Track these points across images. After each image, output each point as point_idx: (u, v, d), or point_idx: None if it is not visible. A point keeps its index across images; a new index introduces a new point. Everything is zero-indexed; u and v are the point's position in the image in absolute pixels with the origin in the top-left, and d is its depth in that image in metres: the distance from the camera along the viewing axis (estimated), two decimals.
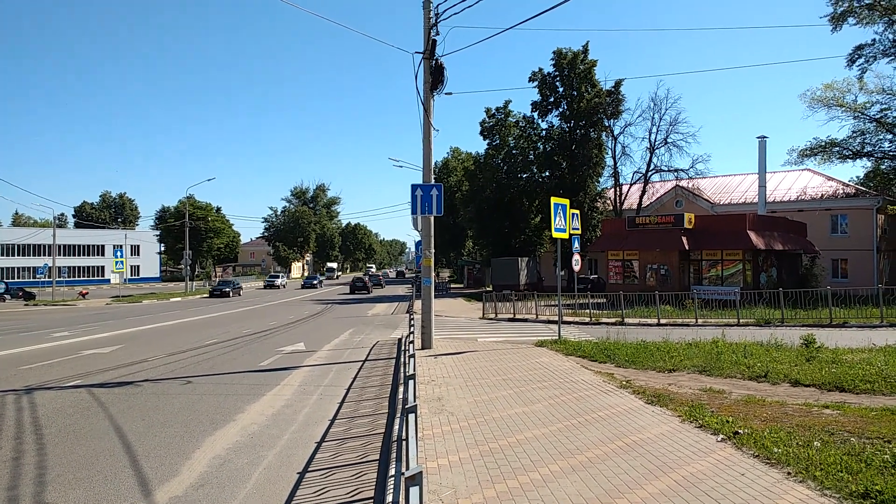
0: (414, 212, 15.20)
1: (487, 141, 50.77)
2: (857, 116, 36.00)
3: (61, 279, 52.54)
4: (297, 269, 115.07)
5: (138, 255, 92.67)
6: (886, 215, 39.95)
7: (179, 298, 47.96)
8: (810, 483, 5.44)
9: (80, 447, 7.38)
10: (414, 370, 7.87)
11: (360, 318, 28.48)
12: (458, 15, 15.81)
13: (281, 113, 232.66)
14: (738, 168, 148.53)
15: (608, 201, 48.07)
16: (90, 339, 19.56)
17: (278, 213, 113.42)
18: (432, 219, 15.82)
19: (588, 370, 12.04)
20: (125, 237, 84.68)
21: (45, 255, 74.61)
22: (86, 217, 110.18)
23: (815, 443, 6.47)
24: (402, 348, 14.89)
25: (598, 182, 46.86)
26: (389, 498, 4.99)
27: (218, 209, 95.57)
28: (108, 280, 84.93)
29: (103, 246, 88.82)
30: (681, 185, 46.18)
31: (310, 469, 6.53)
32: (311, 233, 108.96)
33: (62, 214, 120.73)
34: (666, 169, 45.32)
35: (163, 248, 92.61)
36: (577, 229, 18.96)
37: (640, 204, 46.44)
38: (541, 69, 46.01)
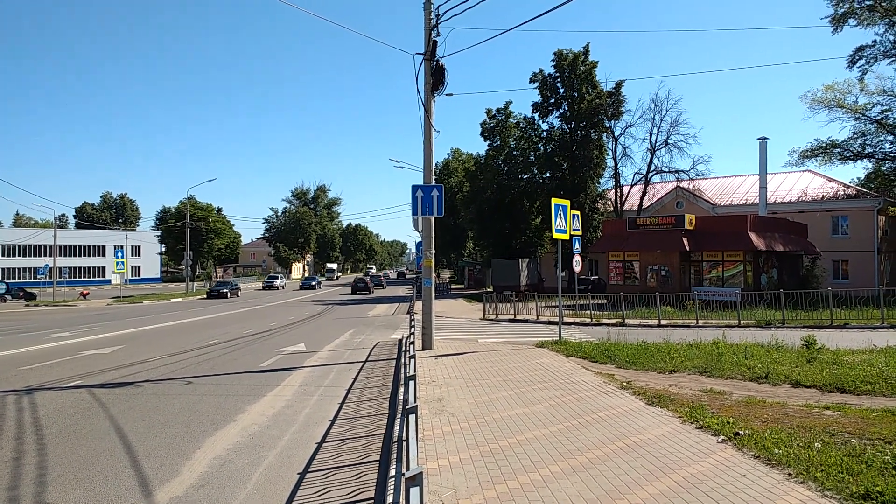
0: (414, 213, 15.20)
1: (488, 142, 50.77)
2: (858, 118, 35.99)
3: (62, 280, 52.47)
4: (297, 269, 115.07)
5: (139, 255, 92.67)
6: (887, 216, 39.93)
7: (180, 299, 47.96)
8: (811, 484, 5.43)
9: (80, 447, 7.38)
10: (414, 371, 7.87)
11: (361, 318, 28.47)
12: (459, 16, 15.83)
13: (281, 113, 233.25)
14: (739, 169, 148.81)
15: (609, 202, 48.06)
16: (91, 339, 19.57)
17: (279, 213, 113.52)
18: (433, 220, 15.82)
19: (589, 371, 12.03)
20: (126, 238, 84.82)
21: (45, 255, 74.65)
22: (87, 218, 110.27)
23: (816, 444, 6.47)
24: (403, 349, 14.88)
25: (599, 183, 46.85)
26: (390, 498, 4.98)
27: (219, 210, 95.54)
28: (109, 281, 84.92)
29: (104, 246, 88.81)
30: (681, 186, 46.16)
31: (310, 469, 6.53)
32: (311, 234, 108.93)
33: (63, 215, 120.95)
34: (667, 170, 45.35)
35: (163, 249, 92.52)
36: (578, 230, 18.95)
37: (640, 205, 46.45)
38: (541, 70, 46.03)
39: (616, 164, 47.49)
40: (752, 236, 30.05)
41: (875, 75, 35.88)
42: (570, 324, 22.90)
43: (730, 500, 5.15)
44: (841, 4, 34.06)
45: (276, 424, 8.53)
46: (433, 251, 16.06)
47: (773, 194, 44.12)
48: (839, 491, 5.23)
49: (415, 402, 5.70)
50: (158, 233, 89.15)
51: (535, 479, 5.74)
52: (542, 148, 47.70)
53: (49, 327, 24.06)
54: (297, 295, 54.14)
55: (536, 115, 47.38)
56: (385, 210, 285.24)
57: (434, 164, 16.88)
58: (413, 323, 15.77)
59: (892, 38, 34.30)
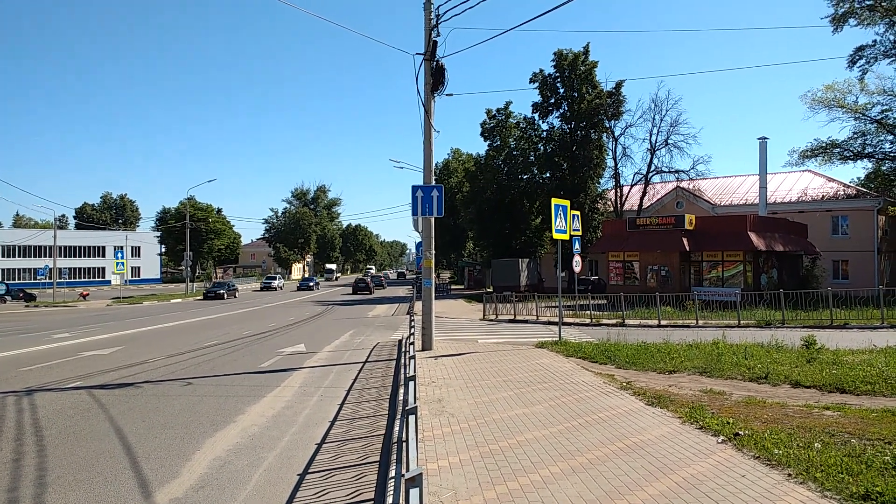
0: (414, 213, 15.20)
1: (488, 142, 50.77)
2: (858, 117, 35.99)
3: (62, 280, 52.48)
4: (297, 270, 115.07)
5: (139, 256, 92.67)
6: (887, 216, 39.94)
7: (180, 300, 47.94)
8: (811, 484, 5.43)
9: (80, 449, 7.38)
10: (414, 372, 7.87)
11: (361, 319, 28.47)
12: (459, 16, 15.84)
13: (281, 113, 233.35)
14: (739, 169, 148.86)
15: (609, 202, 48.07)
16: (91, 340, 19.57)
17: (279, 214, 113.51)
18: (433, 220, 15.82)
19: (588, 371, 12.03)
20: (126, 238, 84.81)
21: (45, 256, 74.64)
22: (86, 218, 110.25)
23: (816, 444, 6.47)
24: (403, 350, 14.88)
25: (599, 183, 46.86)
26: (390, 500, 4.98)
27: (219, 210, 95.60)
28: (109, 281, 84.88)
29: (104, 247, 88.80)
30: (681, 186, 46.17)
31: (310, 471, 6.53)
32: (311, 234, 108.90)
33: (63, 216, 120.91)
34: (667, 170, 45.37)
35: (163, 250, 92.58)
36: (578, 230, 18.95)
37: (640, 205, 46.46)
38: (541, 70, 46.04)
39: (616, 165, 47.56)
40: (752, 236, 30.05)
41: (875, 75, 35.90)
42: (569, 324, 22.90)
43: (730, 500, 5.15)
44: (841, 4, 34.08)
45: (275, 425, 8.53)
46: (433, 251, 16.06)
47: (773, 194, 44.13)
48: (839, 491, 5.23)
49: (415, 402, 5.69)
50: (158, 233, 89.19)
51: (535, 479, 5.74)
52: (542, 148, 47.71)
53: (49, 328, 24.06)
54: (295, 296, 53.91)
55: (536, 116, 47.40)
56: (385, 210, 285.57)
57: (434, 165, 16.88)
58: (413, 323, 15.77)
59: (892, 37, 34.33)
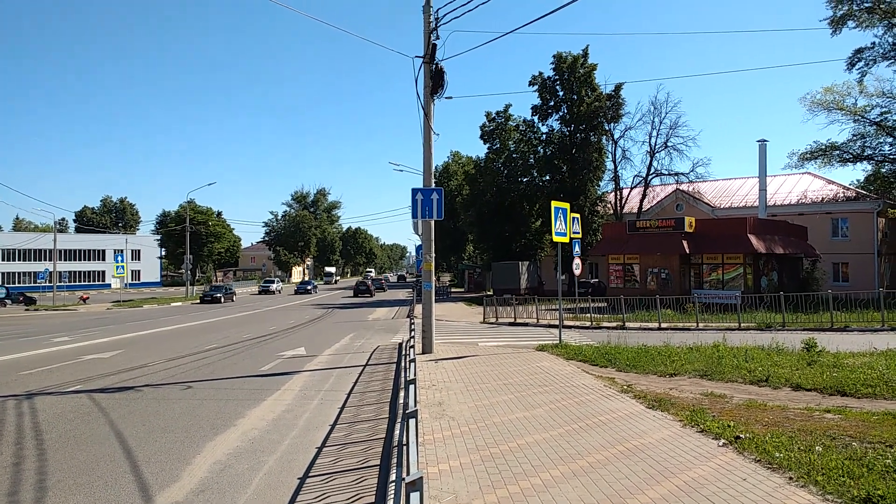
0: (414, 216, 15.20)
1: (488, 145, 50.84)
2: (858, 120, 35.99)
3: (62, 284, 52.45)
4: (297, 273, 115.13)
5: (139, 259, 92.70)
6: (887, 219, 39.93)
7: (180, 303, 47.88)
8: (812, 488, 5.42)
9: (80, 452, 7.38)
10: (414, 375, 7.86)
11: (361, 322, 28.46)
12: (459, 19, 15.86)
13: (281, 116, 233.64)
14: (739, 172, 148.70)
15: (609, 205, 48.09)
16: (91, 343, 19.56)
17: (279, 217, 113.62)
18: (433, 223, 15.82)
19: (589, 374, 12.02)
20: (126, 242, 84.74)
21: (45, 259, 74.72)
22: (86, 222, 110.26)
23: (817, 447, 6.46)
24: (403, 353, 14.87)
25: (599, 186, 46.93)
26: (390, 503, 4.98)
27: (219, 214, 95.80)
28: (109, 285, 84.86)
29: (104, 251, 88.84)
30: (681, 188, 46.19)
31: (310, 474, 6.52)
32: (311, 237, 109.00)
33: (63, 219, 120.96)
34: (666, 173, 45.39)
35: (163, 253, 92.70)
36: (578, 233, 18.95)
37: (640, 208, 46.46)
38: (541, 73, 46.15)
39: (616, 167, 47.57)
40: (752, 239, 30.05)
41: (874, 77, 36.02)
42: (570, 327, 22.89)
43: None
44: (840, 7, 34.11)
45: (276, 429, 8.52)
46: (433, 254, 16.06)
47: (773, 197, 44.13)
48: (840, 495, 5.22)
49: (415, 406, 5.69)
50: (158, 237, 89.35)
51: (535, 483, 5.73)
52: (541, 151, 47.76)
53: (49, 332, 24.06)
54: (293, 299, 53.64)
55: (536, 118, 47.49)
56: (385, 213, 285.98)
57: (434, 168, 16.89)
58: (413, 326, 15.77)
59: (890, 40, 34.36)
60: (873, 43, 34.91)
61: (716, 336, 17.00)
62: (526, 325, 25.38)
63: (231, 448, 7.57)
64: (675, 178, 45.06)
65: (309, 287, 65.95)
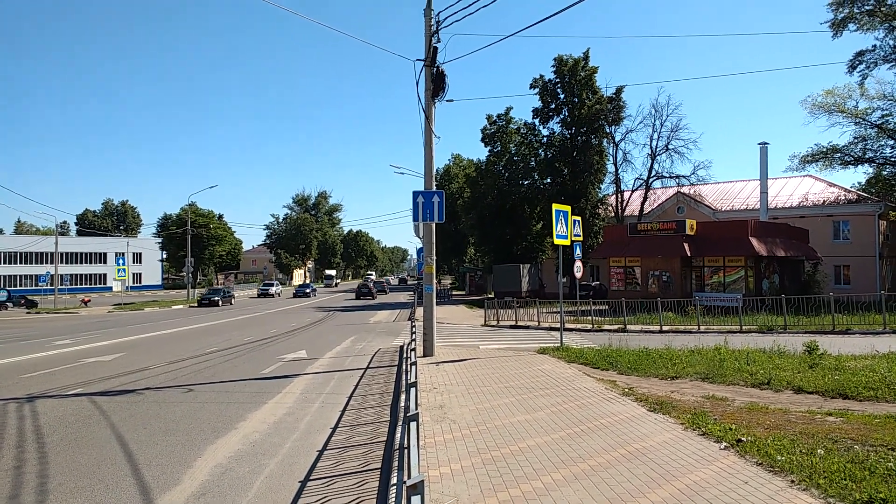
0: (415, 219, 15.20)
1: (489, 148, 50.87)
2: (859, 122, 36.04)
3: (63, 287, 52.43)
4: (298, 276, 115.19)
5: (140, 262, 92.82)
6: (888, 221, 39.93)
7: (181, 306, 47.86)
8: (814, 491, 5.41)
9: (81, 456, 7.37)
10: (416, 378, 7.86)
11: (362, 325, 28.45)
12: (459, 22, 15.87)
13: (282, 119, 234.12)
14: (740, 174, 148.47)
15: (610, 208, 48.11)
16: (92, 346, 19.57)
17: (280, 220, 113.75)
18: (434, 226, 15.82)
19: (590, 377, 12.01)
20: (127, 245, 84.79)
21: (47, 262, 74.79)
22: (88, 225, 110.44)
23: (819, 450, 6.45)
24: (404, 356, 14.87)
25: (600, 189, 46.93)
26: None
27: (220, 216, 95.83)
28: (111, 288, 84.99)
29: (105, 254, 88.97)
30: (682, 191, 46.21)
31: (311, 478, 6.51)
32: (312, 240, 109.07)
33: (64, 222, 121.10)
34: (667, 175, 45.47)
35: (165, 256, 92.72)
36: (579, 236, 18.95)
37: (641, 210, 46.47)
38: (542, 76, 46.18)
39: (617, 170, 47.66)
40: (754, 241, 30.04)
41: (875, 80, 36.10)
42: (571, 330, 22.87)
43: None
44: (841, 9, 34.17)
45: (277, 432, 8.51)
46: (434, 257, 16.05)
47: (774, 199, 44.14)
48: (842, 498, 5.21)
49: (416, 409, 5.68)
50: (160, 240, 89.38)
51: (537, 486, 5.73)
52: (542, 153, 47.80)
53: (50, 335, 24.07)
54: (293, 303, 53.07)
55: (537, 121, 47.53)
56: (386, 216, 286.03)
57: (435, 170, 16.89)
58: (414, 329, 15.76)
59: (891, 42, 34.41)
60: (874, 46, 35.03)
61: (717, 339, 16.98)
62: (527, 327, 25.37)
63: (232, 451, 7.57)
64: (677, 180, 45.13)
65: (308, 290, 65.37)
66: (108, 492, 6.15)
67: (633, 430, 7.79)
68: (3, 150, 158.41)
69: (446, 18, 14.92)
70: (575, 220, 18.09)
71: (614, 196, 48.59)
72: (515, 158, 49.39)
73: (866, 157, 37.17)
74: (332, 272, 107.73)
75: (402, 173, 71.95)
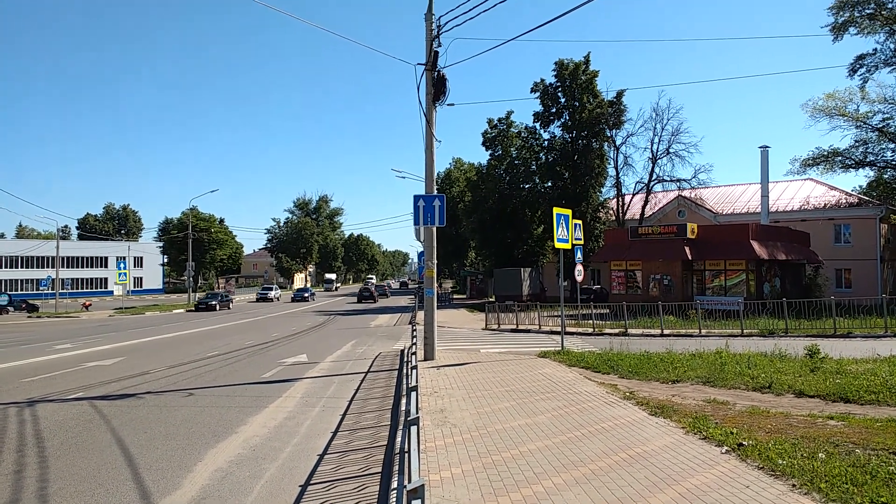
0: (416, 223, 15.21)
1: (490, 151, 50.91)
2: (860, 126, 36.01)
3: (64, 291, 52.53)
4: (299, 280, 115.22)
5: (141, 266, 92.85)
6: (890, 225, 39.89)
7: (182, 310, 47.88)
8: (815, 495, 5.40)
9: (82, 460, 7.37)
10: (416, 382, 7.85)
11: (363, 329, 28.45)
12: (461, 27, 15.89)
13: (283, 123, 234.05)
14: (741, 178, 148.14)
15: (611, 211, 48.09)
16: (93, 351, 19.57)
17: (281, 224, 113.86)
18: (435, 229, 15.83)
19: (591, 381, 12.00)
20: (128, 249, 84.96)
21: (48, 266, 74.77)
22: (89, 229, 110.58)
23: (820, 454, 6.44)
24: (405, 360, 14.86)
25: (601, 192, 46.89)
26: None
27: (221, 220, 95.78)
28: (112, 292, 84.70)
29: (106, 258, 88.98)
30: (683, 195, 46.18)
31: (312, 482, 6.51)
32: (313, 244, 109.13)
33: (66, 226, 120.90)
34: (668, 179, 45.42)
35: (166, 260, 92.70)
36: (580, 240, 18.95)
37: (642, 214, 46.44)
38: (542, 80, 46.20)
39: (618, 173, 47.60)
40: (755, 245, 30.01)
41: (876, 83, 36.00)
42: (572, 333, 22.84)
43: None
44: (841, 13, 34.21)
45: (277, 436, 8.51)
46: (435, 261, 16.06)
47: (775, 203, 44.10)
48: (844, 502, 5.20)
49: (417, 413, 5.68)
50: (161, 243, 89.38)
51: (537, 490, 5.71)
52: (543, 157, 47.81)
53: (51, 339, 24.08)
54: (292, 307, 52.81)
55: (538, 125, 47.53)
56: (387, 220, 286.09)
57: (436, 174, 16.91)
58: (415, 333, 15.76)
59: (892, 46, 34.43)
60: (875, 49, 35.04)
61: (718, 342, 16.96)
62: (528, 331, 25.35)
63: (232, 455, 7.56)
64: (678, 184, 45.09)
65: (306, 294, 64.72)
66: (109, 496, 6.15)
67: (634, 433, 7.78)
68: (5, 154, 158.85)
69: (447, 23, 14.96)
70: (576, 224, 18.10)
71: (615, 200, 48.57)
72: (516, 162, 49.42)
73: (867, 160, 37.16)
74: (333, 276, 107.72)
75: (404, 177, 72.22)
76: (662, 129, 45.44)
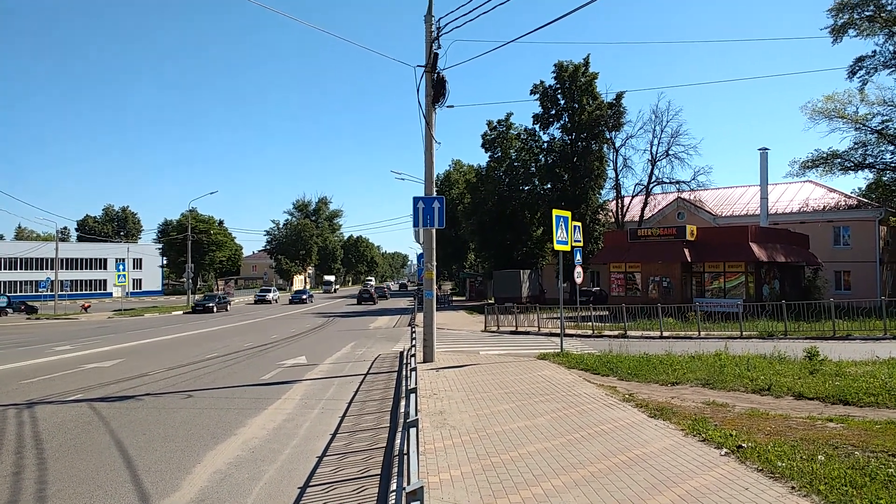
0: (416, 224, 15.22)
1: (489, 153, 50.90)
2: (859, 128, 36.06)
3: (63, 293, 52.46)
4: (298, 282, 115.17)
5: (140, 268, 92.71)
6: (889, 227, 39.92)
7: (181, 312, 47.81)
8: (814, 497, 5.40)
9: (80, 462, 7.36)
10: (416, 384, 7.85)
11: (362, 331, 28.44)
12: (460, 28, 15.90)
13: (282, 125, 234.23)
14: (740, 180, 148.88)
15: (610, 213, 48.09)
16: (92, 352, 19.55)
17: (280, 226, 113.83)
18: (434, 231, 15.84)
19: (590, 383, 11.99)
20: (128, 250, 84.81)
21: (47, 268, 74.71)
22: (88, 230, 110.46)
23: (820, 456, 6.43)
24: (404, 361, 14.84)
25: (600, 194, 46.87)
26: None
27: (220, 222, 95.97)
28: (111, 293, 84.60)
29: (105, 259, 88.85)
30: (682, 197, 46.21)
31: (311, 484, 6.50)
32: (313, 246, 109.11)
33: (65, 228, 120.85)
34: (668, 181, 45.42)
35: (165, 262, 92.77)
36: (579, 241, 18.96)
37: (642, 216, 46.46)
38: (542, 82, 46.21)
39: (617, 175, 47.60)
40: (754, 247, 30.03)
41: (875, 85, 36.14)
42: (571, 335, 22.84)
43: None
44: (840, 15, 34.25)
45: (276, 438, 8.50)
46: (434, 263, 16.06)
47: (775, 205, 44.14)
48: None
49: (416, 415, 5.68)
50: (160, 245, 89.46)
51: (536, 493, 5.71)
52: (542, 159, 47.80)
53: (50, 340, 24.05)
54: (289, 309, 52.13)
55: (537, 127, 47.52)
56: (386, 222, 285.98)
57: (435, 176, 16.91)
58: (414, 335, 15.75)
59: (891, 48, 34.47)
60: (874, 51, 35.09)
61: (717, 345, 16.96)
62: (527, 333, 25.35)
63: (231, 457, 7.55)
64: (677, 186, 45.10)
65: (304, 296, 63.62)
66: (107, 498, 6.14)
67: (634, 436, 7.78)
68: (4, 155, 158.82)
69: (447, 25, 14.98)
70: (575, 226, 18.11)
71: (615, 202, 48.58)
72: (516, 164, 49.41)
73: (866, 162, 37.20)
74: (332, 278, 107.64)
75: (403, 179, 72.45)
76: (662, 130, 45.53)
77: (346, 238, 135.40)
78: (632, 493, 5.63)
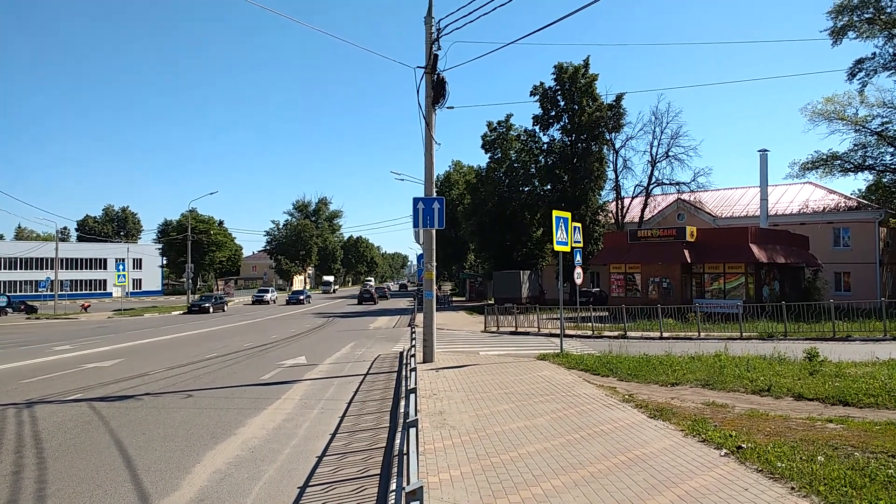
0: (416, 225, 15.22)
1: (489, 154, 50.94)
2: (859, 130, 36.09)
3: (63, 293, 52.42)
4: (298, 282, 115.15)
5: (140, 268, 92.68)
6: (888, 228, 39.93)
7: (181, 312, 47.76)
8: (814, 498, 5.40)
9: (80, 461, 7.36)
10: (415, 384, 7.85)
11: (362, 331, 28.43)
12: (460, 30, 15.94)
13: (283, 126, 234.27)
14: (740, 181, 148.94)
15: (610, 214, 48.09)
16: (91, 352, 19.54)
17: (280, 226, 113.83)
18: (434, 232, 15.84)
19: (590, 384, 11.99)
20: (127, 251, 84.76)
21: (47, 268, 74.68)
22: (88, 230, 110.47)
23: (819, 457, 6.44)
24: (404, 362, 14.84)
25: (600, 195, 46.91)
26: None
27: (220, 223, 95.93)
28: (110, 293, 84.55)
29: (105, 259, 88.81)
30: (682, 198, 46.22)
31: (310, 484, 6.50)
32: (312, 246, 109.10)
33: (65, 228, 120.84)
34: (667, 182, 45.44)
35: (165, 262, 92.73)
36: (579, 242, 18.96)
37: (641, 217, 46.48)
38: (542, 83, 46.23)
39: (617, 177, 47.62)
40: (754, 248, 30.03)
41: (875, 87, 36.01)
42: (571, 336, 22.84)
43: None
44: (840, 17, 34.27)
45: (276, 438, 8.50)
46: (434, 263, 16.06)
47: (775, 206, 44.15)
48: None
49: (416, 415, 5.68)
50: (160, 245, 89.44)
51: (536, 493, 5.71)
52: (542, 160, 47.81)
53: (50, 340, 24.04)
54: (286, 309, 51.65)
55: (537, 128, 47.54)
56: (386, 223, 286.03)
57: (435, 177, 16.92)
58: (414, 335, 15.74)
59: (891, 50, 34.51)
60: (874, 53, 35.11)
61: (717, 345, 16.96)
62: (527, 334, 25.35)
63: (231, 457, 7.55)
64: (677, 187, 45.11)
65: (301, 297, 62.62)
66: (107, 497, 6.14)
67: (634, 436, 7.78)
68: (4, 155, 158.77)
69: (447, 26, 14.99)
70: (575, 227, 18.11)
71: (614, 203, 48.60)
72: (516, 165, 49.43)
73: (866, 164, 37.23)
74: (331, 278, 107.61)
75: (403, 180, 72.56)
76: (662, 132, 45.56)
77: (345, 238, 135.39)
78: (631, 494, 5.63)
